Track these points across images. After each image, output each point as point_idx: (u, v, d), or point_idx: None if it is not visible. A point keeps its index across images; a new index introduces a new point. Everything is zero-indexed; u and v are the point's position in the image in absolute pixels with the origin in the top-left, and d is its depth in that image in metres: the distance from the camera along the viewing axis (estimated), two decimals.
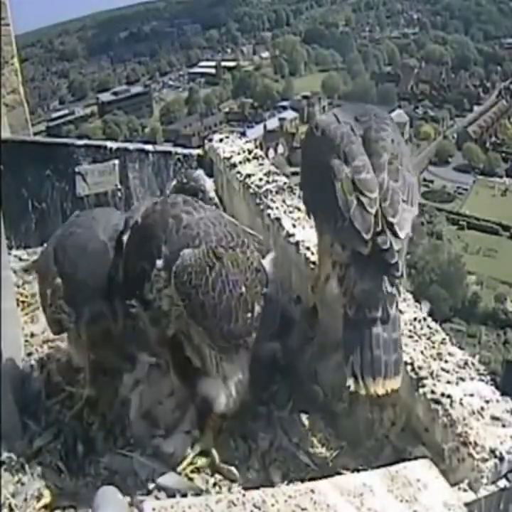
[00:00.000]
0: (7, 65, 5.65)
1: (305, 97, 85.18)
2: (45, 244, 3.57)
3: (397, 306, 2.52)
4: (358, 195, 2.52)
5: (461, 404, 2.34)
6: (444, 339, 2.72)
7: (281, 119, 79.17)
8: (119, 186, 5.07)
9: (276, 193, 3.94)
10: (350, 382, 2.42)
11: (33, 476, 2.65)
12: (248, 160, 4.49)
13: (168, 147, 5.80)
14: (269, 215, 3.74)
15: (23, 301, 3.93)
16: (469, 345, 39.55)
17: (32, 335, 3.60)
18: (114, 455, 2.76)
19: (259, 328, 2.69)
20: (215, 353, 2.65)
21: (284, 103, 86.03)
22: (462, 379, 2.47)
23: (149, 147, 5.24)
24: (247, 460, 2.76)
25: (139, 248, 2.53)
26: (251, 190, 4.05)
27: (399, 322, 2.53)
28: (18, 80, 5.79)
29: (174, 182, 3.77)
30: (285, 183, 4.07)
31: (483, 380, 2.48)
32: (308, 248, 3.33)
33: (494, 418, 2.30)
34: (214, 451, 2.75)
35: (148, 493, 2.58)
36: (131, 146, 5.21)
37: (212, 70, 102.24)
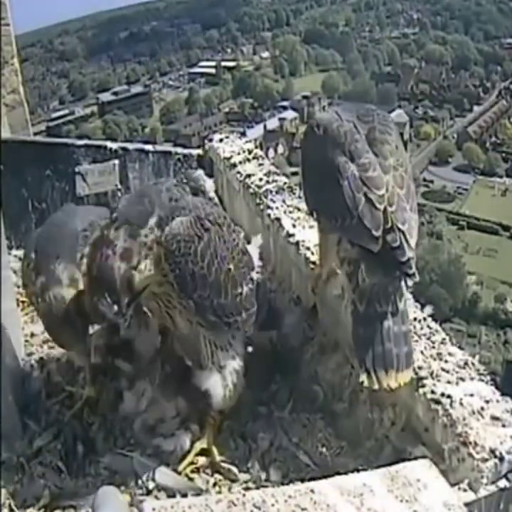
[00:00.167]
0: (7, 65, 5.64)
1: (305, 97, 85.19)
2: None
3: (405, 300, 2.53)
4: (366, 192, 2.52)
5: (461, 404, 2.34)
6: (444, 339, 2.72)
7: (281, 119, 79.22)
8: (119, 186, 5.06)
9: (276, 193, 3.94)
10: (363, 377, 2.43)
11: (33, 476, 2.65)
12: (248, 160, 4.49)
13: (168, 147, 5.80)
14: (269, 215, 3.74)
15: (23, 301, 3.93)
16: (469, 345, 39.58)
17: (32, 335, 3.61)
18: (114, 455, 2.77)
19: (250, 309, 2.74)
20: (208, 339, 2.66)
21: (284, 103, 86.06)
22: (462, 379, 2.47)
23: (149, 147, 5.24)
24: (247, 460, 2.77)
25: (127, 212, 2.52)
26: (251, 190, 4.05)
27: (407, 316, 2.54)
28: (18, 80, 5.79)
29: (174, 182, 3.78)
30: (285, 183, 4.07)
31: (483, 380, 2.48)
32: (308, 248, 3.33)
33: (494, 418, 2.30)
34: (214, 451, 2.75)
35: (148, 493, 2.58)
36: (131, 146, 5.21)
37: (212, 70, 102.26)
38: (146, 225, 2.46)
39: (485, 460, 2.16)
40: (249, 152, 4.63)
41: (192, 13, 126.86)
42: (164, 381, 2.88)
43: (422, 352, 2.61)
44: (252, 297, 2.75)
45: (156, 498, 2.54)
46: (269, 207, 3.80)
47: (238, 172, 4.32)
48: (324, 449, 2.76)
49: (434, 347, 2.66)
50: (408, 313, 2.58)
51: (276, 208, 3.77)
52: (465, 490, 2.16)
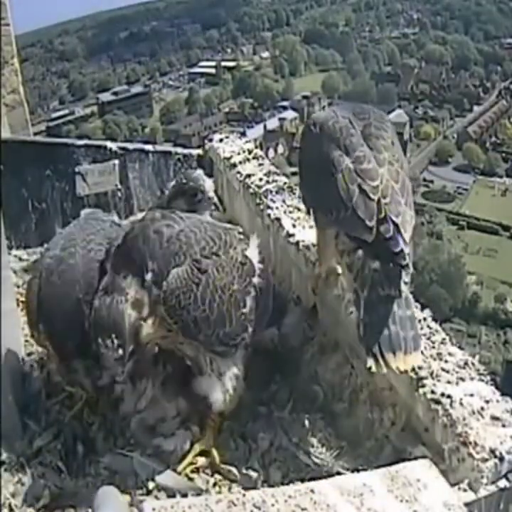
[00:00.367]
0: (7, 65, 5.64)
1: (305, 97, 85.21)
2: (45, 245, 3.59)
3: (407, 284, 2.51)
4: (360, 184, 2.53)
5: (461, 404, 2.34)
6: (444, 339, 2.72)
7: (281, 119, 79.20)
8: (119, 186, 5.06)
9: (276, 193, 3.94)
10: (370, 362, 2.38)
11: (33, 476, 2.65)
12: (248, 160, 4.49)
13: (168, 147, 5.79)
14: (269, 215, 3.74)
15: (23, 301, 3.93)
16: (469, 345, 39.56)
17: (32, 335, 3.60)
18: (114, 455, 2.77)
19: (255, 319, 2.72)
20: (209, 354, 2.67)
21: (284, 103, 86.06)
22: (462, 379, 2.47)
23: (149, 147, 5.24)
24: (247, 460, 2.77)
25: (126, 264, 2.50)
26: (251, 190, 4.05)
27: (412, 300, 2.52)
28: (18, 80, 5.79)
29: (173, 182, 3.77)
30: (285, 183, 4.07)
31: (483, 380, 2.48)
32: (308, 248, 3.33)
33: (494, 418, 2.30)
34: (214, 451, 2.75)
35: (148, 493, 2.58)
36: (131, 146, 5.21)
37: (212, 70, 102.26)
38: (146, 278, 2.45)
39: (485, 460, 2.16)
40: (249, 152, 4.63)
41: (192, 13, 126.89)
42: (165, 381, 2.89)
43: (422, 352, 2.61)
44: (256, 303, 2.73)
45: (156, 498, 2.54)
46: (269, 207, 3.80)
47: (238, 172, 4.32)
48: (324, 449, 2.76)
49: (434, 347, 2.66)
50: (411, 299, 2.56)
51: (276, 207, 3.77)
52: (465, 490, 2.16)
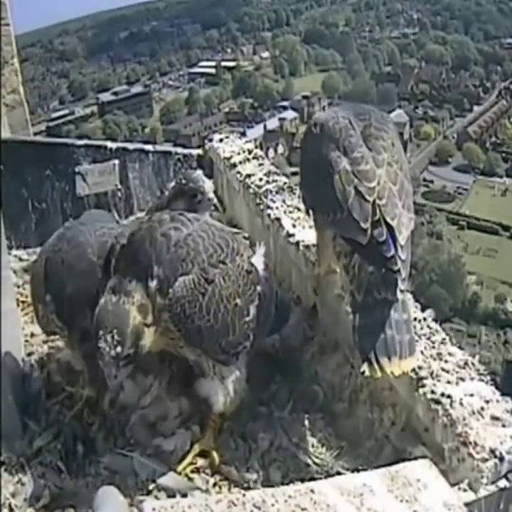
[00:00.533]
0: (7, 65, 5.64)
1: (305, 97, 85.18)
2: (40, 249, 3.58)
3: (405, 287, 2.50)
4: (356, 185, 2.52)
5: (461, 404, 2.34)
6: (444, 339, 2.72)
7: (281, 119, 79.19)
8: (119, 186, 5.07)
9: (276, 193, 3.94)
10: (365, 367, 2.38)
11: (33, 476, 2.65)
12: (248, 160, 4.49)
13: (168, 147, 5.80)
14: (269, 215, 3.74)
15: (23, 301, 3.93)
16: (469, 345, 39.55)
17: (32, 335, 3.60)
18: (114, 455, 2.76)
19: (257, 327, 2.70)
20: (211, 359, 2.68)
21: (284, 103, 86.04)
22: (462, 379, 2.47)
23: (149, 147, 5.24)
24: (247, 460, 2.76)
25: (131, 267, 2.47)
26: (251, 190, 4.05)
27: (408, 304, 2.51)
28: (18, 80, 5.79)
29: (173, 183, 3.77)
30: (285, 183, 4.07)
31: (483, 380, 2.48)
32: (308, 248, 3.33)
33: (494, 418, 2.30)
34: (214, 452, 2.75)
35: (148, 493, 2.58)
36: (131, 146, 5.21)
37: (212, 70, 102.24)
38: (150, 285, 2.43)
39: (485, 460, 2.16)
40: (249, 152, 4.63)
41: (192, 13, 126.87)
42: (170, 380, 2.89)
43: (422, 352, 2.61)
44: (259, 311, 2.72)
45: (156, 498, 2.54)
46: (269, 207, 3.80)
47: (238, 172, 4.33)
48: (324, 449, 2.76)
49: (434, 347, 2.66)
50: (408, 304, 2.56)
51: (276, 208, 3.77)
52: (465, 490, 2.16)
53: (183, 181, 3.56)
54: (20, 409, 2.94)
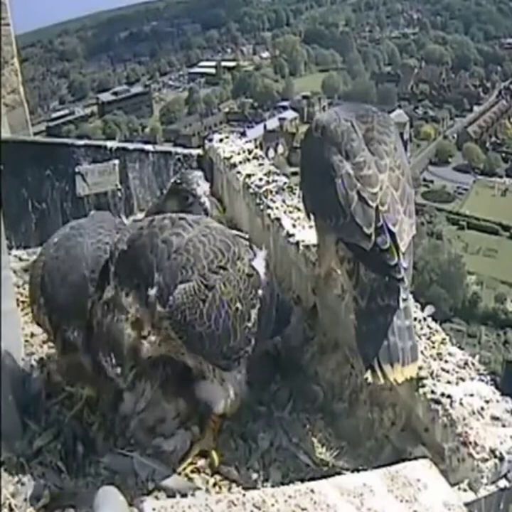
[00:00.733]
0: (7, 65, 5.64)
1: (305, 97, 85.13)
2: (41, 248, 3.59)
3: (407, 294, 2.51)
4: (359, 190, 2.52)
5: (461, 404, 2.34)
6: (444, 339, 2.72)
7: (281, 119, 79.13)
8: (119, 186, 5.07)
9: (276, 193, 3.94)
10: (368, 374, 2.39)
11: (33, 476, 2.65)
12: (248, 160, 4.49)
13: (168, 147, 5.80)
14: (269, 215, 3.74)
15: (23, 301, 3.93)
16: (469, 345, 39.53)
17: (32, 335, 3.60)
18: (114, 455, 2.77)
19: (258, 331, 2.69)
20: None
21: (284, 103, 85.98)
22: (462, 379, 2.47)
23: (149, 147, 5.25)
24: (247, 460, 2.77)
25: (130, 275, 2.48)
26: (251, 190, 4.05)
27: (411, 310, 2.52)
28: (18, 80, 5.78)
29: (172, 180, 3.75)
30: (285, 183, 4.07)
31: (483, 380, 2.48)
32: (308, 248, 3.33)
33: (494, 418, 2.30)
34: (214, 453, 2.75)
35: (149, 493, 2.58)
36: (131, 146, 5.22)
37: (212, 70, 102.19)
38: (150, 293, 2.44)
39: (485, 460, 2.16)
40: (249, 152, 4.63)
41: (192, 13, 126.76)
42: (165, 382, 2.88)
43: (422, 352, 2.61)
44: (260, 315, 2.71)
45: (156, 498, 2.54)
46: (269, 207, 3.80)
47: (238, 172, 4.33)
48: (324, 449, 2.76)
49: (434, 347, 2.66)
50: (411, 309, 2.57)
51: (276, 208, 3.77)
52: (465, 490, 2.17)
53: (178, 181, 3.54)
54: (20, 409, 2.94)
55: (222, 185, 4.74)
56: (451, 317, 45.18)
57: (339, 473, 2.49)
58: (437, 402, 2.37)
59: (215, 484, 2.67)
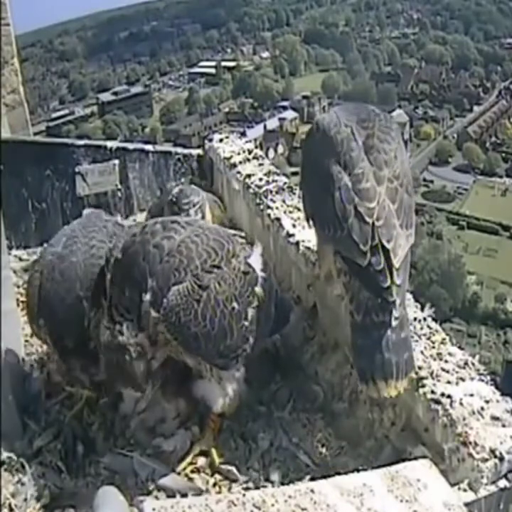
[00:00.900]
0: (7, 65, 5.64)
1: (305, 97, 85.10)
2: (45, 245, 3.60)
3: (403, 304, 2.52)
4: (357, 205, 2.51)
5: (461, 404, 2.34)
6: (444, 339, 2.72)
7: (281, 119, 79.11)
8: (119, 186, 5.07)
9: (276, 193, 3.94)
10: (363, 387, 2.46)
11: (33, 476, 2.65)
12: (248, 160, 4.49)
13: (168, 147, 5.80)
14: (269, 215, 3.74)
15: (23, 301, 3.92)
16: (469, 345, 39.53)
17: (32, 335, 3.60)
18: (114, 455, 2.77)
19: (256, 329, 2.69)
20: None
21: (284, 103, 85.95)
22: (462, 379, 2.47)
23: (149, 147, 5.25)
24: (247, 460, 2.77)
25: (124, 283, 2.50)
26: (251, 190, 4.05)
27: (407, 320, 2.53)
28: (18, 80, 5.78)
29: (175, 189, 3.75)
30: (285, 183, 4.07)
31: (483, 380, 2.48)
32: (308, 248, 3.33)
33: (494, 418, 2.30)
34: (214, 452, 2.75)
35: (149, 493, 2.58)
36: (131, 146, 5.22)
37: (212, 70, 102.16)
38: (141, 307, 2.46)
39: (485, 460, 2.16)
40: (249, 152, 4.63)
41: (192, 13, 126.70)
42: (164, 382, 2.88)
43: (422, 352, 2.62)
44: (258, 312, 2.70)
45: (156, 498, 2.54)
46: (269, 207, 3.80)
47: (238, 172, 4.33)
48: (324, 449, 2.76)
49: (434, 347, 2.66)
50: (408, 316, 2.57)
51: (276, 208, 3.77)
52: (465, 490, 2.17)
53: (174, 200, 3.56)
54: (20, 409, 2.94)
55: (222, 185, 4.74)
56: (451, 317, 45.18)
57: (339, 473, 2.48)
58: (437, 402, 2.37)
59: (215, 484, 2.67)
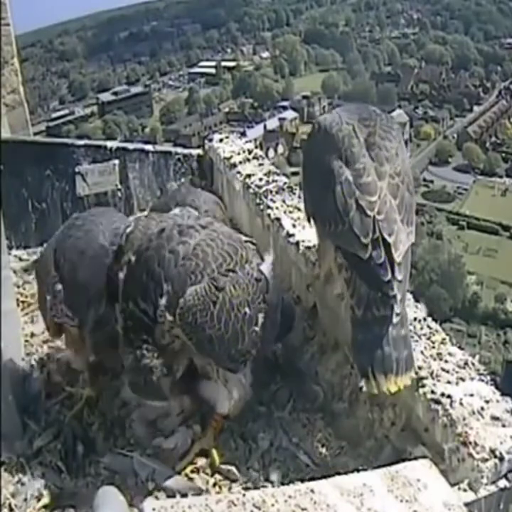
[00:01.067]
0: (7, 65, 5.64)
1: (305, 97, 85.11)
2: (45, 245, 3.59)
3: (404, 302, 2.52)
4: (358, 198, 2.51)
5: (461, 404, 2.34)
6: (444, 339, 2.72)
7: (281, 119, 79.11)
8: (119, 186, 5.07)
9: (276, 193, 3.94)
10: (362, 382, 2.43)
11: (33, 476, 2.65)
12: (248, 160, 4.49)
13: (168, 147, 5.80)
14: (269, 215, 3.74)
15: (23, 301, 3.94)
16: (469, 345, 39.53)
17: (32, 335, 3.61)
18: (114, 455, 2.77)
19: (263, 335, 2.69)
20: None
21: (284, 103, 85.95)
22: (462, 379, 2.47)
23: (149, 147, 5.25)
24: (247, 460, 2.77)
25: (139, 289, 2.49)
26: (251, 190, 4.05)
27: (407, 319, 2.53)
28: (18, 80, 5.79)
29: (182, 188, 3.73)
30: (285, 183, 4.07)
31: (483, 380, 2.48)
32: (308, 248, 3.33)
33: (494, 418, 2.30)
34: (214, 452, 2.75)
35: (149, 493, 2.58)
36: (131, 146, 5.22)
37: (212, 70, 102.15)
38: (157, 310, 2.45)
39: (485, 460, 2.16)
40: (249, 152, 4.63)
41: (192, 13, 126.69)
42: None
43: (422, 352, 2.61)
44: (266, 319, 2.70)
45: (156, 498, 2.54)
46: (269, 207, 3.80)
47: (238, 172, 4.33)
48: (324, 449, 2.76)
49: (434, 347, 2.66)
50: (408, 315, 2.58)
51: (276, 208, 3.77)
52: (465, 490, 2.16)
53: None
54: (20, 409, 2.94)
55: (222, 185, 4.74)
56: (451, 317, 45.19)
57: (339, 473, 2.48)
58: (437, 402, 2.37)
59: (215, 484, 2.67)
